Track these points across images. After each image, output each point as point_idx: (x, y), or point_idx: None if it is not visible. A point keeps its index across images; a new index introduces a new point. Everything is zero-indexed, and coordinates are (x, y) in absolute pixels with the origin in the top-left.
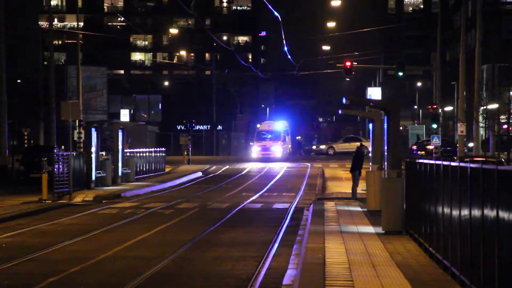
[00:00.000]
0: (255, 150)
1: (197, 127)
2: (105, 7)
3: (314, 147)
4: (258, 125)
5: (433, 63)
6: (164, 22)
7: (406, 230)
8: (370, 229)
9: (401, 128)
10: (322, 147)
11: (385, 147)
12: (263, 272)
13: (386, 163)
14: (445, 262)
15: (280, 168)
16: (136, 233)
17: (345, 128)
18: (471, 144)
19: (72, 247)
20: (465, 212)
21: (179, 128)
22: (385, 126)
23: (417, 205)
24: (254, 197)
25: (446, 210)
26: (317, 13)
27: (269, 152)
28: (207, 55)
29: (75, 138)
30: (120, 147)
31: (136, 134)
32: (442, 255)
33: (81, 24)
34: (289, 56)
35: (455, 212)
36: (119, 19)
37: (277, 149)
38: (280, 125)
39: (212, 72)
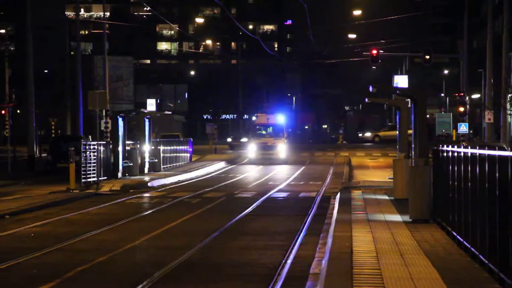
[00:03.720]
0: (252, 148)
1: (223, 116)
2: None
3: (360, 134)
4: (254, 118)
5: (460, 50)
6: (190, 11)
7: (433, 218)
8: (397, 217)
9: (428, 116)
10: (368, 134)
11: (412, 135)
12: (290, 261)
13: (413, 151)
14: (473, 250)
15: (307, 156)
16: (164, 222)
17: (372, 117)
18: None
19: (99, 236)
20: (493, 199)
21: (205, 117)
22: (412, 114)
23: (445, 193)
24: (281, 186)
25: (474, 198)
26: (343, 1)
27: (271, 152)
28: (233, 44)
29: (102, 128)
30: (146, 136)
31: (162, 123)
32: (470, 243)
33: (108, 14)
34: (314, 43)
35: (483, 200)
36: (145, 8)
37: (281, 148)
38: (280, 118)
39: (238, 61)
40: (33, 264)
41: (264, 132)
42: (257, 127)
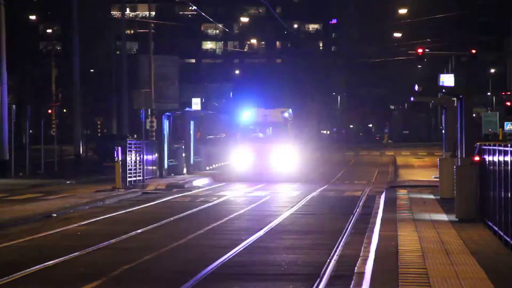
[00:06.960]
0: (242, 157)
1: None
2: None
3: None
4: (244, 115)
5: (506, 49)
6: (235, 10)
7: (480, 218)
8: (443, 216)
9: (474, 115)
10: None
11: (458, 134)
12: (335, 260)
13: (459, 150)
14: None
15: (352, 156)
16: (209, 221)
17: (417, 116)
18: None
19: (145, 235)
20: None
21: None
22: (458, 113)
23: (492, 192)
24: (325, 186)
25: None
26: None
27: (270, 164)
28: (277, 43)
29: (147, 127)
30: (191, 135)
31: (207, 122)
32: None
33: (153, 13)
34: (359, 42)
35: None
36: (190, 8)
37: (285, 158)
38: (285, 114)
39: (283, 61)
40: (80, 262)
41: (260, 135)
42: (251, 127)
